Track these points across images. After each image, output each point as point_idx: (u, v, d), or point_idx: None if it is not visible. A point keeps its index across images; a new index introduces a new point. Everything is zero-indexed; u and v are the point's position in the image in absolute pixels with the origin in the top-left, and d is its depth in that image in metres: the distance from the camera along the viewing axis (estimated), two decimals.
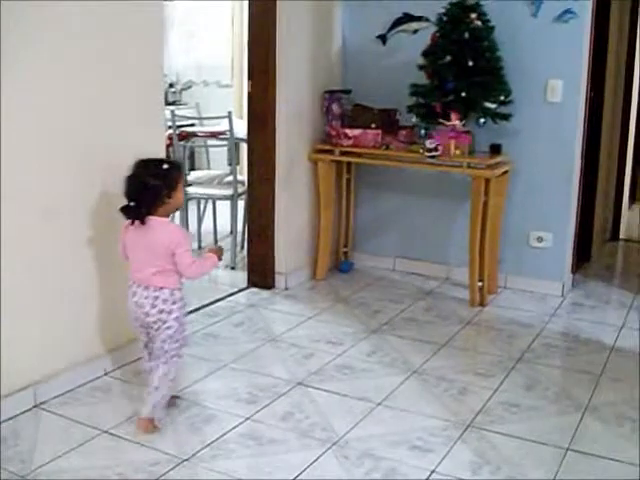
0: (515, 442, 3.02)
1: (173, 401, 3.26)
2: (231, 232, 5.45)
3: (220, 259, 3.17)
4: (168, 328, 3.02)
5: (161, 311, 3.00)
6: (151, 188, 2.91)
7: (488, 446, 2.99)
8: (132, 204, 2.91)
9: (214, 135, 5.73)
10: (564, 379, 3.72)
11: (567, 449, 2.98)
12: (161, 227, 2.97)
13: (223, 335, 4.08)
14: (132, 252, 3.05)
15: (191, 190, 5.52)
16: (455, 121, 4.45)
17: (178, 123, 5.64)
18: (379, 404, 3.31)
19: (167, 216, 3.04)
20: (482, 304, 4.64)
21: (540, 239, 4.88)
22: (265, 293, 4.77)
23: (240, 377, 3.58)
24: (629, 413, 3.29)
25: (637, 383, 3.62)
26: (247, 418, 3.16)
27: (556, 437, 3.07)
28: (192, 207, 5.90)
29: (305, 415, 3.20)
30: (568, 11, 4.57)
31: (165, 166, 2.98)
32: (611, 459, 2.91)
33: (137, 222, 2.94)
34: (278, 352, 3.88)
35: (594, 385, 3.57)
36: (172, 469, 2.76)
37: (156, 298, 3.00)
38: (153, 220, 2.95)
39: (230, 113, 5.26)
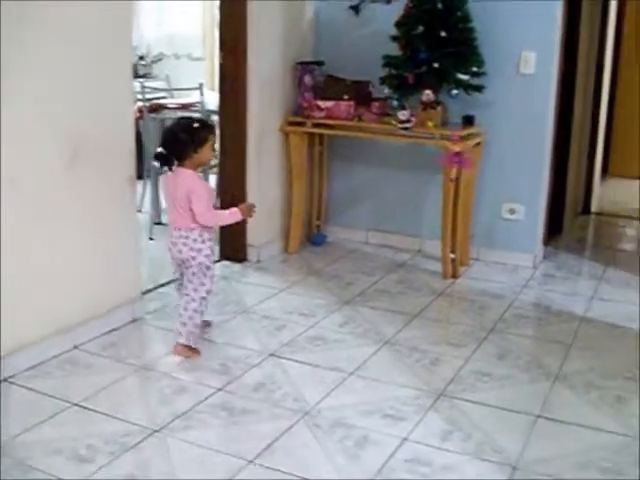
0: (486, 410, 3.04)
1: (206, 324, 3.70)
2: None
3: (247, 215, 3.55)
4: (199, 264, 3.42)
5: (191, 249, 3.41)
6: (179, 141, 3.34)
7: (459, 414, 3.00)
8: (162, 152, 3.35)
9: (185, 107, 5.66)
10: (535, 348, 3.74)
11: (537, 416, 3.00)
12: (184, 176, 3.37)
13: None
14: (165, 198, 3.56)
15: None
16: (427, 91, 4.44)
17: (148, 96, 5.57)
18: (351, 374, 3.31)
19: (195, 169, 3.43)
20: (454, 276, 4.65)
21: (512, 211, 4.89)
22: (237, 266, 4.75)
23: (212, 348, 3.56)
24: (597, 381, 3.32)
25: (605, 352, 3.66)
26: (219, 389, 3.15)
27: (527, 405, 3.09)
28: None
29: (277, 386, 3.20)
30: None
31: (195, 124, 3.40)
32: (579, 425, 2.94)
33: (170, 172, 3.38)
34: (250, 324, 3.86)
35: (564, 354, 3.60)
36: (143, 440, 2.75)
37: (187, 237, 3.41)
38: (181, 170, 3.37)
39: (201, 85, 5.21)
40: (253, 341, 3.65)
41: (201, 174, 3.56)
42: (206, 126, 3.46)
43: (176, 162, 3.37)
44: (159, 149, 3.38)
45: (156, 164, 3.44)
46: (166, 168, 3.40)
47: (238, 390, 3.15)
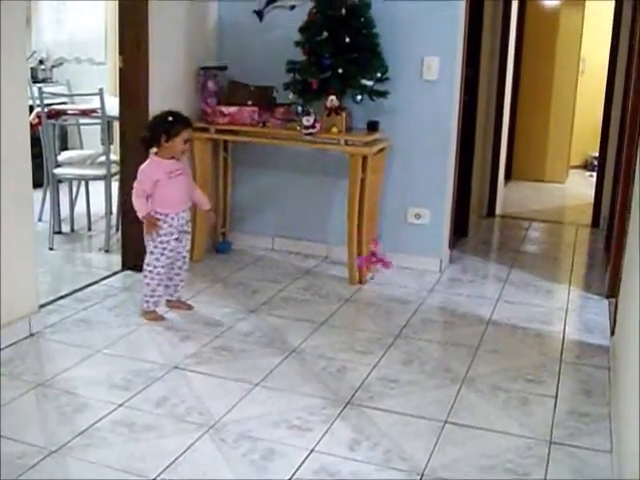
0: (394, 417, 3.03)
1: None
2: (105, 214, 5.25)
3: (146, 229, 3.85)
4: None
5: None
6: (154, 129, 3.80)
7: (367, 422, 2.98)
8: (144, 136, 3.84)
9: (85, 113, 5.50)
10: (442, 353, 3.76)
11: (445, 422, 3.00)
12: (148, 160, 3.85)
13: (96, 320, 3.93)
14: None
15: (62, 171, 5.29)
16: (332, 97, 4.42)
17: (48, 101, 5.39)
18: (257, 385, 3.25)
19: (168, 158, 3.82)
20: (361, 282, 4.64)
21: (417, 216, 4.92)
22: (140, 276, 4.56)
23: (113, 363, 3.45)
24: (502, 384, 3.35)
25: (511, 354, 3.70)
26: (120, 405, 3.05)
27: (434, 410, 3.09)
28: (64, 189, 5.66)
29: (181, 399, 3.11)
30: None
31: (170, 118, 3.80)
32: (486, 429, 2.96)
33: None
34: (153, 336, 3.76)
35: (471, 358, 3.62)
36: (40, 461, 2.63)
37: None
38: (150, 155, 3.86)
39: (101, 90, 5.06)
40: (156, 354, 3.55)
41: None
42: (180, 121, 3.82)
43: (147, 145, 3.86)
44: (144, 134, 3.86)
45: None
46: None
47: (140, 405, 3.05)
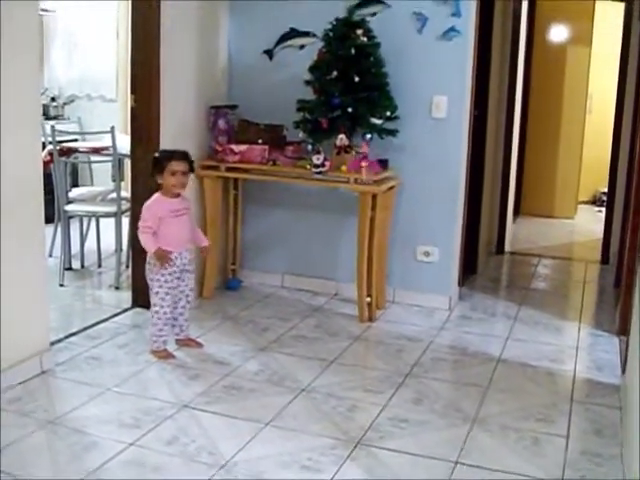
0: (404, 458, 3.01)
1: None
2: (115, 251, 5.29)
3: (158, 261, 3.86)
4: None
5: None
6: (151, 170, 3.91)
7: (377, 463, 2.96)
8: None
9: (97, 151, 5.55)
10: (452, 392, 3.74)
11: (456, 462, 2.99)
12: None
13: (106, 358, 3.93)
14: None
15: (73, 207, 5.33)
16: (341, 136, 4.46)
17: (59, 138, 5.45)
18: (267, 424, 3.24)
19: (171, 196, 3.90)
20: (371, 319, 4.64)
21: (427, 253, 4.92)
22: (148, 314, 4.62)
23: (123, 401, 3.44)
24: (513, 423, 3.34)
25: (522, 393, 3.68)
26: (131, 444, 3.04)
27: (445, 450, 3.07)
28: (75, 225, 5.70)
29: (191, 439, 3.10)
30: (452, 29, 4.65)
31: (156, 154, 3.96)
32: (497, 470, 2.94)
33: None
34: (163, 374, 3.75)
35: (481, 397, 3.61)
36: None
37: None
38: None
39: (113, 128, 5.11)
40: (166, 392, 3.54)
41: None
42: (165, 154, 3.93)
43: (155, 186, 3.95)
44: None
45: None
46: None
47: (151, 444, 3.05)
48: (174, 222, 3.89)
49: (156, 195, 3.92)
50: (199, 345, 4.11)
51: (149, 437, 3.11)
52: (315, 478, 2.83)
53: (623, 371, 3.88)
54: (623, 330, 4.23)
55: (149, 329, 4.01)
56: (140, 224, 3.88)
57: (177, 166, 3.87)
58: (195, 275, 4.11)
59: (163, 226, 3.87)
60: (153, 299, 3.94)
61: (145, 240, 3.87)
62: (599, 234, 6.73)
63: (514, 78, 6.61)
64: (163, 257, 3.86)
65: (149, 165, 3.96)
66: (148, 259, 3.94)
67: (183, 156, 3.92)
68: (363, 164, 4.41)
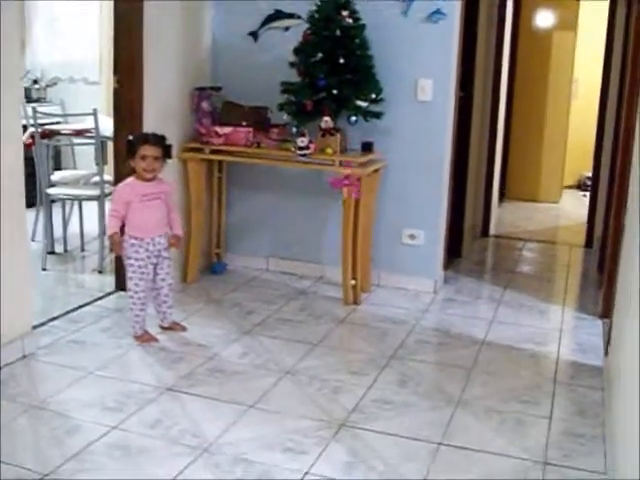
0: (388, 439, 3.01)
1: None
2: (99, 234, 5.24)
3: (112, 248, 3.95)
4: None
5: None
6: (125, 153, 3.85)
7: (361, 444, 2.96)
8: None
9: (79, 133, 5.50)
10: (436, 374, 3.74)
11: (439, 443, 2.99)
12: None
13: (89, 341, 3.91)
14: None
15: (55, 191, 5.28)
16: (326, 118, 4.44)
17: (41, 121, 5.39)
18: (251, 407, 3.24)
19: (145, 180, 3.81)
20: (356, 302, 4.63)
21: (412, 237, 4.92)
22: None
23: (106, 385, 3.42)
24: (498, 405, 3.34)
25: (506, 375, 3.69)
26: (114, 427, 3.03)
27: (429, 432, 3.08)
28: (57, 209, 5.65)
29: (174, 422, 3.09)
30: (437, 12, 4.62)
31: (130, 138, 3.85)
32: (481, 451, 2.95)
33: None
34: (146, 358, 3.74)
35: (465, 379, 3.61)
36: None
37: None
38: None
39: (95, 110, 5.06)
40: (149, 375, 3.53)
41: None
42: (139, 138, 3.86)
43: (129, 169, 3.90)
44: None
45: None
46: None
47: (134, 428, 3.03)
48: (145, 207, 3.82)
49: (130, 178, 3.87)
50: (183, 328, 4.09)
51: (132, 420, 3.09)
52: (299, 460, 2.83)
53: (606, 353, 3.90)
54: (606, 313, 4.24)
55: (128, 315, 4.01)
56: (110, 205, 3.89)
57: (148, 151, 3.79)
58: (172, 262, 4.04)
59: (132, 210, 3.81)
60: (128, 284, 3.92)
61: (109, 223, 3.83)
62: (583, 218, 6.75)
63: (500, 62, 6.59)
64: (114, 244, 3.85)
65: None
66: (127, 241, 3.89)
67: (157, 141, 3.83)
68: (346, 182, 4.43)
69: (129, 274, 3.88)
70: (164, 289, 3.98)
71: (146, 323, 3.98)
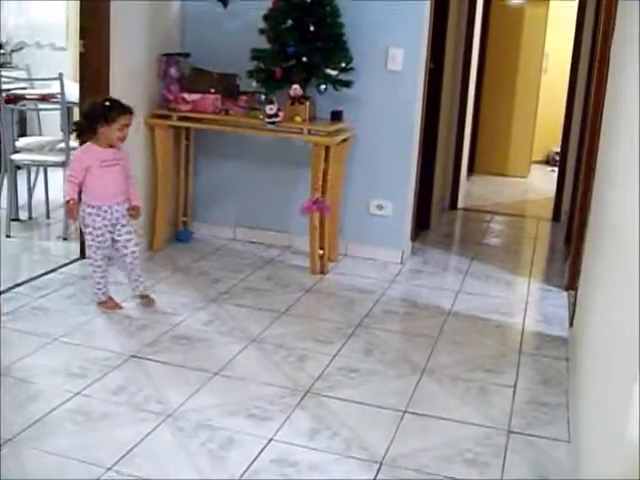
0: (353, 407, 3.02)
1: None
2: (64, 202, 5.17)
3: (69, 215, 3.94)
4: None
5: None
6: (91, 115, 3.69)
7: (326, 412, 2.96)
8: (77, 122, 3.84)
9: (45, 98, 5.41)
10: (402, 343, 3.75)
11: (404, 411, 3.00)
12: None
13: (53, 308, 3.87)
14: None
15: (20, 157, 5.20)
16: (295, 86, 4.40)
17: (6, 86, 5.28)
18: (216, 374, 3.22)
19: (104, 146, 3.70)
20: (323, 272, 4.62)
21: (380, 207, 4.91)
22: None
23: (71, 351, 3.39)
24: (463, 374, 3.36)
25: (471, 345, 3.71)
26: (77, 393, 3.00)
27: (394, 400, 3.09)
28: (22, 176, 5.56)
29: (138, 388, 3.07)
30: None
31: (107, 103, 3.68)
32: (445, 418, 2.96)
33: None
34: (111, 325, 3.71)
35: (431, 348, 3.62)
36: None
37: None
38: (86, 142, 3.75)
39: (61, 75, 4.97)
40: (113, 342, 3.50)
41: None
42: (118, 107, 3.70)
43: (81, 131, 3.82)
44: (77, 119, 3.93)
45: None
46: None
47: (97, 394, 3.01)
48: (102, 173, 3.73)
49: (88, 144, 3.75)
50: (149, 303, 3.99)
51: (96, 387, 3.07)
52: (263, 426, 2.82)
53: (571, 324, 3.93)
54: (572, 285, 4.28)
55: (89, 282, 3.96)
56: (67, 171, 3.79)
57: (128, 120, 3.73)
58: (134, 228, 3.95)
59: (91, 176, 3.71)
60: (87, 252, 3.89)
61: (66, 189, 3.71)
62: (551, 193, 6.79)
63: (471, 36, 6.57)
64: (70, 210, 3.73)
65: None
66: (84, 209, 3.78)
67: (131, 110, 3.77)
68: (314, 207, 4.45)
69: (88, 242, 3.82)
70: (127, 257, 3.89)
71: (109, 290, 3.94)
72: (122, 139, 3.76)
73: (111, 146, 3.74)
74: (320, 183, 4.47)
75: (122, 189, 3.84)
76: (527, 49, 8.38)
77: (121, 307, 3.91)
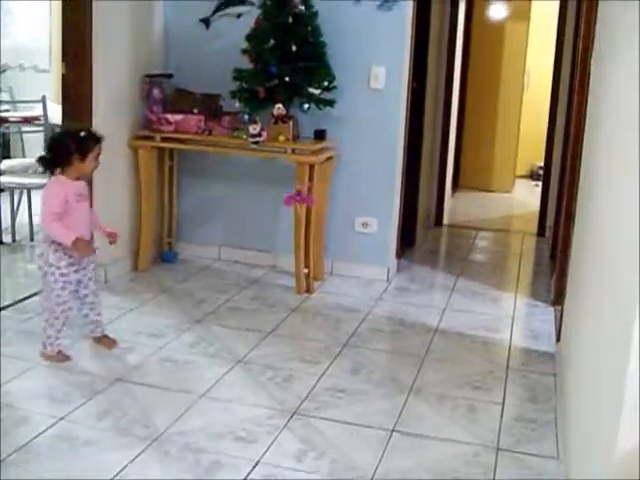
0: (341, 427, 3.00)
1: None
2: None
3: (79, 252, 3.41)
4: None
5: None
6: (65, 148, 3.36)
7: (314, 432, 2.94)
8: (45, 156, 3.41)
9: (28, 120, 5.41)
10: (389, 362, 3.74)
11: (392, 430, 2.98)
12: (49, 182, 3.43)
13: (37, 332, 3.80)
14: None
15: (4, 179, 5.18)
16: (278, 105, 4.40)
17: None
18: (202, 396, 3.19)
19: (76, 178, 3.40)
20: (308, 291, 4.61)
21: (365, 225, 4.91)
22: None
23: (55, 375, 3.36)
24: (450, 392, 3.35)
25: (459, 362, 3.70)
26: (61, 418, 2.96)
27: (381, 420, 3.07)
28: (5, 198, 5.53)
29: (124, 412, 3.03)
30: None
31: (82, 133, 3.41)
32: (432, 437, 2.95)
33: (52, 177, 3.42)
34: (96, 348, 3.66)
35: (418, 366, 3.61)
36: None
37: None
38: (55, 175, 3.41)
39: (44, 97, 4.97)
40: (99, 365, 3.47)
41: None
42: (92, 136, 3.46)
43: (53, 165, 3.41)
44: (43, 153, 3.45)
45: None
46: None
47: (82, 419, 2.97)
48: (77, 208, 3.42)
49: (58, 177, 3.40)
50: (114, 343, 3.69)
51: (80, 411, 3.03)
52: (250, 448, 2.80)
53: (558, 339, 3.93)
54: (558, 300, 4.28)
55: (45, 329, 3.51)
56: (45, 211, 3.37)
57: (100, 149, 3.46)
58: (96, 265, 3.69)
59: (68, 212, 3.38)
60: (51, 296, 3.47)
61: (59, 230, 3.35)
62: (536, 207, 6.81)
63: (453, 52, 6.62)
64: (87, 246, 3.43)
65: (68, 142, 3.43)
66: (48, 247, 3.43)
67: (102, 138, 3.51)
68: (297, 198, 4.42)
69: (51, 285, 3.44)
70: (89, 297, 3.59)
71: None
72: (95, 169, 3.52)
73: (77, 178, 3.43)
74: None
75: (90, 224, 3.59)
76: (508, 65, 8.43)
77: (70, 359, 3.54)
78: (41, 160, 3.44)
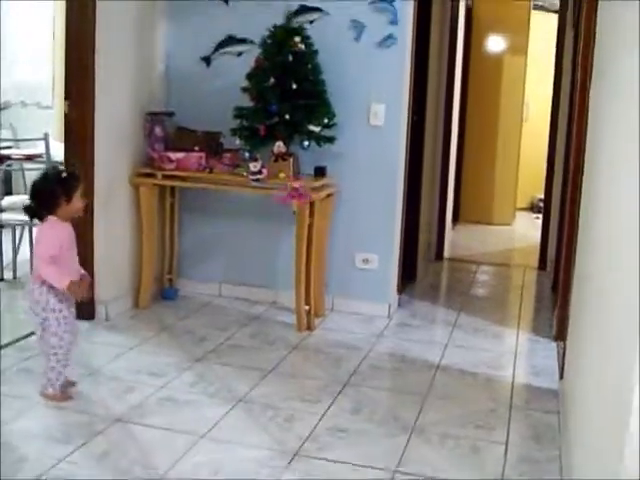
0: (343, 467, 2.97)
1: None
2: None
3: (75, 296, 3.43)
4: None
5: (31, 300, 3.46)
6: (51, 192, 3.32)
7: (315, 473, 2.92)
8: (31, 204, 3.36)
9: (30, 158, 5.43)
10: (391, 400, 3.72)
11: (395, 471, 2.96)
12: (43, 225, 3.38)
13: (38, 370, 3.79)
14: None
15: (5, 216, 5.19)
16: (279, 143, 4.42)
17: None
18: (203, 436, 3.17)
19: (67, 219, 3.39)
20: (309, 328, 4.59)
21: (366, 261, 4.91)
22: (84, 324, 4.46)
23: (54, 415, 3.34)
24: (453, 431, 3.32)
25: (461, 400, 3.68)
26: (60, 460, 2.94)
27: (384, 460, 3.04)
28: (7, 235, 5.53)
29: (123, 453, 3.01)
30: (389, 37, 4.67)
31: (64, 174, 3.44)
32: (436, 478, 2.92)
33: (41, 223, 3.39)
34: (97, 387, 3.65)
35: (420, 405, 3.59)
36: None
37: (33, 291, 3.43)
38: (47, 218, 3.36)
39: (47, 135, 5.00)
40: (98, 405, 3.45)
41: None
42: (74, 175, 3.46)
43: (43, 211, 3.37)
44: (27, 202, 3.40)
45: (26, 217, 3.55)
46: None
47: (81, 461, 2.95)
48: (71, 250, 3.44)
49: (53, 219, 3.35)
50: (73, 385, 3.63)
51: (80, 452, 3.01)
52: None
53: (561, 376, 3.91)
54: (560, 335, 4.26)
55: (46, 372, 3.47)
56: (41, 255, 3.34)
57: (82, 187, 3.45)
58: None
59: (61, 255, 3.36)
60: (51, 340, 3.43)
61: (54, 274, 3.33)
62: (537, 240, 6.81)
63: (452, 86, 6.67)
64: (82, 288, 3.42)
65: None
66: (47, 293, 3.39)
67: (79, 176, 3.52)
68: (293, 194, 4.38)
69: (53, 328, 3.41)
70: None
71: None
72: (82, 208, 3.47)
73: (66, 219, 3.40)
74: (305, 238, 4.46)
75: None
76: (507, 98, 8.49)
77: (72, 398, 3.52)
78: (27, 210, 3.40)
